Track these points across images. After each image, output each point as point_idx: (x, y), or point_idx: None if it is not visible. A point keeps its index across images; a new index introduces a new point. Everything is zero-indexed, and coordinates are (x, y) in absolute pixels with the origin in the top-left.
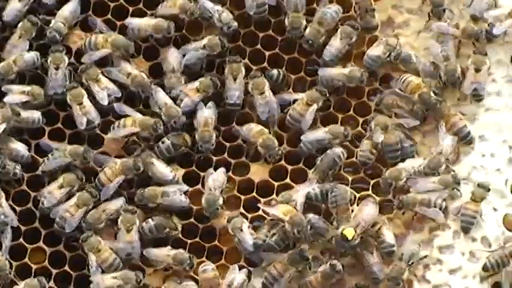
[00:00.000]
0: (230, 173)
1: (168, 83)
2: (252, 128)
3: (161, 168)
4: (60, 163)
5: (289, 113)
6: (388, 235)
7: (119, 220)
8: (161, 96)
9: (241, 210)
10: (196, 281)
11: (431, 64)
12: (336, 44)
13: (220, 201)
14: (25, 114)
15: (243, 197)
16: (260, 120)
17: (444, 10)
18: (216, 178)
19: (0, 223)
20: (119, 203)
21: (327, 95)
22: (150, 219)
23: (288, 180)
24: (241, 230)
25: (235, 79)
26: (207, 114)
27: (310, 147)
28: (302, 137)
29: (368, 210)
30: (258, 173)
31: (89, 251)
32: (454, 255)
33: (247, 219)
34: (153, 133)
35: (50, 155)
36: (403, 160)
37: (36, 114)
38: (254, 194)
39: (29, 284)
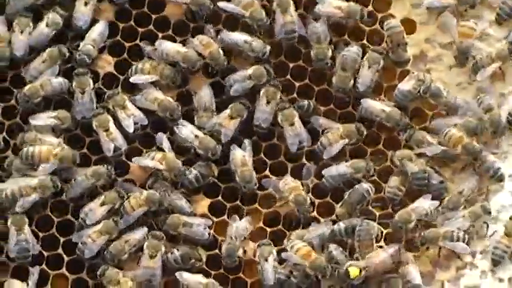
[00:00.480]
0: (257, 205)
1: (199, 122)
2: (288, 182)
3: (178, 201)
4: (85, 187)
5: (320, 140)
6: (415, 274)
7: (145, 245)
8: (189, 130)
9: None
10: None
11: (462, 100)
12: (366, 74)
13: (240, 252)
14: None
15: (269, 229)
16: (289, 151)
17: (467, 58)
18: (239, 226)
19: (22, 249)
20: (141, 233)
21: (363, 135)
22: (175, 250)
23: (315, 213)
24: (266, 261)
25: (268, 102)
26: (243, 153)
27: (333, 182)
28: (324, 172)
29: (383, 258)
30: (284, 205)
31: (108, 284)
32: None
33: None
34: (176, 178)
35: (72, 181)
36: (433, 197)
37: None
38: (280, 226)
39: None
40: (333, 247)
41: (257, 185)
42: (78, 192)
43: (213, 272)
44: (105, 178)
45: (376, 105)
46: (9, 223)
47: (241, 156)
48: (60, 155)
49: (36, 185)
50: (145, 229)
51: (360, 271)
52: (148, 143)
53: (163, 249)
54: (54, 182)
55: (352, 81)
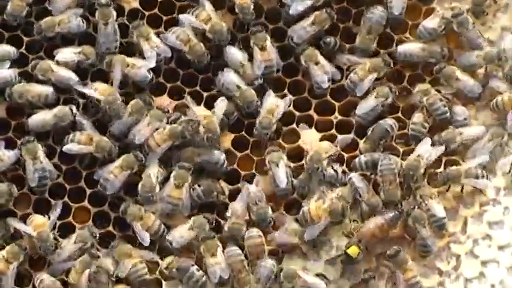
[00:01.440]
0: (280, 140)
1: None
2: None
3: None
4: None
5: (349, 77)
6: (438, 208)
7: (171, 175)
8: (233, 78)
9: None
10: None
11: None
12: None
13: (270, 212)
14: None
15: (291, 164)
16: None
17: (483, 12)
18: (253, 189)
19: (41, 178)
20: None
21: (391, 65)
22: (197, 186)
23: (338, 148)
24: (277, 166)
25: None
26: (274, 101)
27: (368, 118)
28: (357, 112)
29: (371, 226)
30: (308, 141)
31: (131, 221)
32: (504, 231)
33: None
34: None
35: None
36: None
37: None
38: (303, 162)
39: (80, 235)
40: (353, 175)
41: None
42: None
43: None
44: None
45: (412, 47)
46: (23, 154)
47: (271, 104)
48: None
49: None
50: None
51: (359, 247)
52: None
53: (189, 180)
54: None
55: (375, 43)
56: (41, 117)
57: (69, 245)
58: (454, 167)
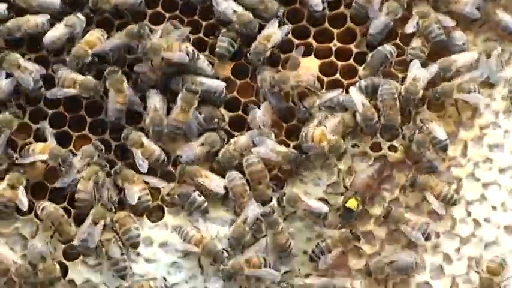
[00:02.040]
0: (279, 67)
1: None
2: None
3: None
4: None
5: (355, 1)
6: (440, 131)
7: (179, 97)
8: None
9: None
10: None
11: None
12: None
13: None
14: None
15: (291, 92)
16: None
17: None
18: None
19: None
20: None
21: None
22: (197, 113)
23: (337, 75)
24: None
25: None
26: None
27: (380, 36)
28: (370, 31)
29: (363, 176)
30: (308, 68)
31: (132, 147)
32: (504, 154)
33: None
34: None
35: None
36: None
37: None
38: (304, 89)
39: (85, 150)
40: (351, 87)
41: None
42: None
43: (236, 134)
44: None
45: None
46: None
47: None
48: None
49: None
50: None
51: (356, 199)
52: None
53: (196, 103)
54: None
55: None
56: (54, 33)
57: (76, 162)
58: (446, 83)
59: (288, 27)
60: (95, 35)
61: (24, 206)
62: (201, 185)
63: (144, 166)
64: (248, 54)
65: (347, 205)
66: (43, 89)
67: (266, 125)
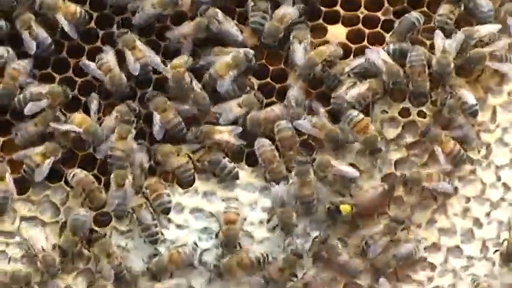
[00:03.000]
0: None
1: None
2: None
3: (229, 28)
4: None
5: None
6: (469, 96)
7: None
8: None
9: None
10: None
11: None
12: None
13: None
14: None
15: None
16: None
17: None
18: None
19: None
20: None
21: None
22: (232, 82)
23: (365, 42)
24: (299, 43)
25: None
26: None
27: None
28: None
29: (371, 196)
30: (335, 35)
31: (154, 110)
32: None
33: None
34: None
35: None
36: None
37: None
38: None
39: (119, 110)
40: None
41: None
42: None
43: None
44: None
45: None
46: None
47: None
48: None
49: None
50: None
51: (352, 208)
52: None
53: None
54: None
55: None
56: None
57: (109, 122)
58: (478, 49)
59: (301, 6)
60: None
61: (40, 178)
62: (220, 142)
63: (159, 135)
64: (262, 37)
65: (341, 207)
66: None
67: (300, 104)
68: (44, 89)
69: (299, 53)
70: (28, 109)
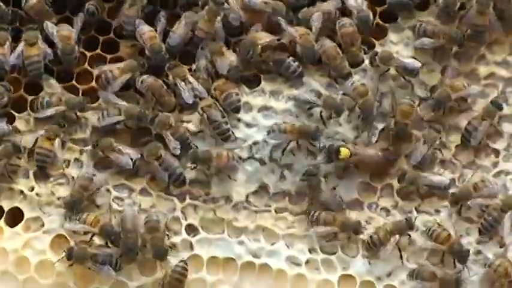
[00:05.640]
0: None
1: None
2: None
3: None
4: None
5: None
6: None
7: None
8: None
9: None
10: None
11: None
12: None
13: None
14: None
15: None
16: None
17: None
18: None
19: None
20: None
21: None
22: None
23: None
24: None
25: None
26: None
27: None
28: None
29: (372, 154)
30: None
31: (176, 76)
32: None
33: None
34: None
35: None
36: None
37: None
38: None
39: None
40: None
41: None
42: None
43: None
44: None
45: None
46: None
47: None
48: None
49: None
50: None
51: (350, 154)
52: None
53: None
54: None
55: None
56: None
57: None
58: None
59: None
60: None
61: (60, 160)
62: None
63: (189, 100)
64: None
65: (340, 149)
66: None
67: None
68: None
69: None
70: None
